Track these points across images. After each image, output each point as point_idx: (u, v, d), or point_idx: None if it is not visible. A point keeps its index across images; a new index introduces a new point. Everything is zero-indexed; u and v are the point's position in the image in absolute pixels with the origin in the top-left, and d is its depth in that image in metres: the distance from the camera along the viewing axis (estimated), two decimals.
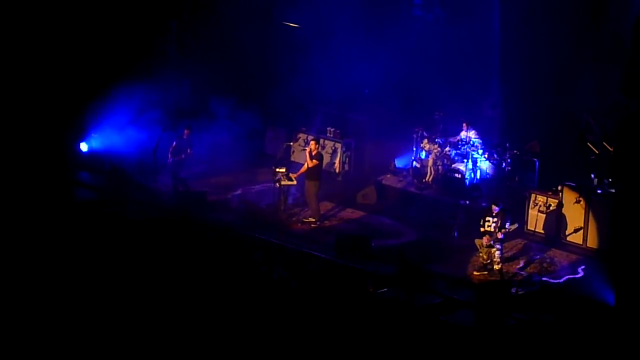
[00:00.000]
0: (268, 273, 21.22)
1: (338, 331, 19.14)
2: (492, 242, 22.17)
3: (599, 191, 23.64)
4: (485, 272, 22.26)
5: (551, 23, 26.60)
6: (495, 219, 22.24)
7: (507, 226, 22.18)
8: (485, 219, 22.39)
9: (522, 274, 22.46)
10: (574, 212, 23.81)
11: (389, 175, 27.93)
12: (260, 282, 20.87)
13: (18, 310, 19.23)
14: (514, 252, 23.50)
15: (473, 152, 26.39)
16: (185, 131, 26.11)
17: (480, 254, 22.36)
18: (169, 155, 25.99)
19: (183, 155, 25.96)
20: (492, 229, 22.22)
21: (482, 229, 22.35)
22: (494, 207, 22.37)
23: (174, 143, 25.96)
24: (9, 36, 27.73)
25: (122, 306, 19.60)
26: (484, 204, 24.12)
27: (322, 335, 19.00)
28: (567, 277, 22.38)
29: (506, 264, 22.53)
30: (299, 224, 24.86)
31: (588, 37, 26.28)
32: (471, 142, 26.50)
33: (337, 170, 28.21)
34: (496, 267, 22.13)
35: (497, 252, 22.18)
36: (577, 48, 26.36)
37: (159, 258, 21.72)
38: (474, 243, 22.50)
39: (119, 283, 20.54)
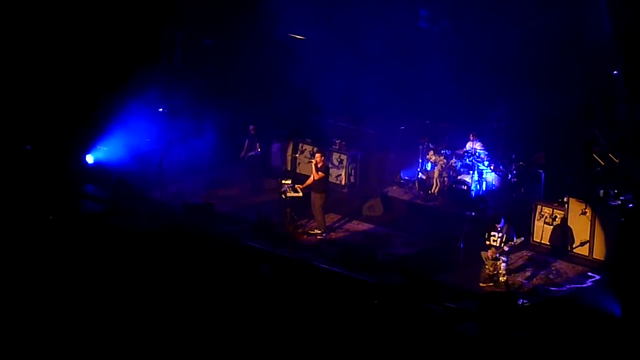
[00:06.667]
0: (276, 285, 21.22)
1: (344, 342, 19.13)
2: (497, 255, 22.15)
3: (607, 203, 23.66)
4: (492, 284, 22.24)
5: (557, 36, 26.60)
6: (500, 233, 22.22)
7: (513, 239, 22.15)
8: (490, 233, 22.37)
9: (528, 286, 22.43)
10: (580, 224, 23.76)
11: (394, 187, 27.94)
12: (268, 294, 20.87)
13: (25, 322, 19.26)
14: (520, 263, 23.46)
15: (479, 164, 26.39)
16: None
17: (486, 267, 22.34)
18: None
19: None
20: (497, 243, 22.20)
21: (487, 242, 22.34)
22: (497, 222, 22.34)
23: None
24: (15, 47, 27.86)
25: (129, 318, 19.61)
26: (489, 215, 24.11)
27: (328, 346, 18.99)
28: (573, 288, 22.39)
29: (512, 275, 22.51)
30: (305, 236, 24.84)
31: (593, 48, 26.31)
32: (477, 154, 26.50)
33: (342, 182, 28.19)
34: (502, 279, 22.11)
35: (503, 265, 22.15)
36: (583, 59, 26.40)
37: (165, 270, 21.74)
38: (480, 256, 22.47)
39: (125, 295, 20.55)
